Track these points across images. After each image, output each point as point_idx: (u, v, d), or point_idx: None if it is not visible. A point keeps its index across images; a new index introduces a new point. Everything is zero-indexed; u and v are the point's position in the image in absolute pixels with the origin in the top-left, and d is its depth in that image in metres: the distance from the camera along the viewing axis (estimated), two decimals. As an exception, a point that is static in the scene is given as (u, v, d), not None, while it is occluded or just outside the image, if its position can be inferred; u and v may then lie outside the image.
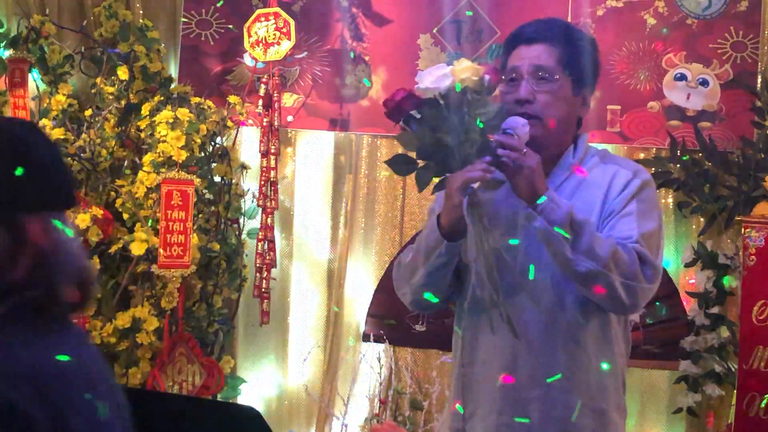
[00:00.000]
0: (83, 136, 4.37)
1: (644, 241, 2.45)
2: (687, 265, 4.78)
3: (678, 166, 4.80)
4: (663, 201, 4.88)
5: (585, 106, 2.60)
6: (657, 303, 4.74)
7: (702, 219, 4.83)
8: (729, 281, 4.66)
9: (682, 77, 4.89)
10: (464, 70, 2.30)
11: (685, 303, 4.77)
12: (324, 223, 5.12)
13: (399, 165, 2.47)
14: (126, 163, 4.51)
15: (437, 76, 2.31)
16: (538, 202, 2.33)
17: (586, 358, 2.50)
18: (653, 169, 4.86)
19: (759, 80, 4.81)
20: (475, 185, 2.32)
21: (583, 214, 2.42)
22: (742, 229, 4.36)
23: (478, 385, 2.53)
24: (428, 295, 2.51)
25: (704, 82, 4.87)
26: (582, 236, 2.34)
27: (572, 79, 2.52)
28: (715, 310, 4.65)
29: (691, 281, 4.82)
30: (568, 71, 2.51)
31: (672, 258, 4.88)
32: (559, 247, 2.34)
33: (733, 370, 4.54)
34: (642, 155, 4.93)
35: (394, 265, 2.70)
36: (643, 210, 2.50)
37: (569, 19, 4.89)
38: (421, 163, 2.38)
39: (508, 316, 2.32)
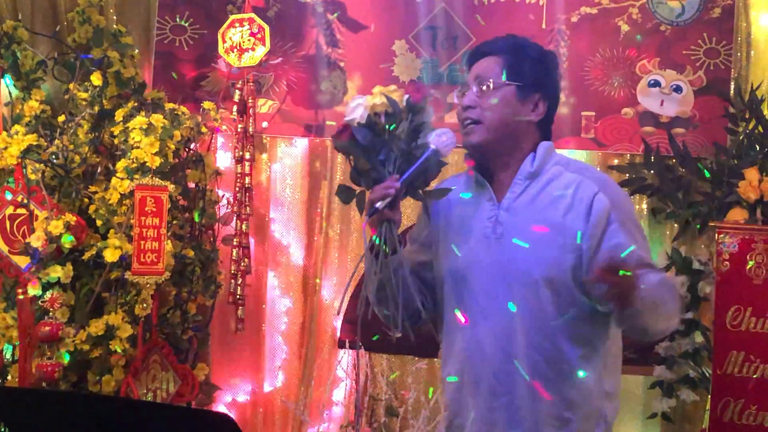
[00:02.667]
0: (56, 142, 4.34)
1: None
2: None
3: (652, 172, 4.82)
4: (637, 207, 4.91)
5: (536, 112, 2.66)
6: (632, 308, 4.75)
7: (676, 225, 4.85)
8: (702, 287, 4.69)
9: (655, 84, 4.92)
10: (373, 97, 2.52)
11: (659, 308, 4.78)
12: (299, 230, 5.11)
13: (342, 194, 2.63)
14: (99, 169, 4.47)
15: (352, 107, 2.54)
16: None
17: (553, 366, 2.54)
18: (627, 175, 4.88)
19: (732, 87, 4.85)
20: (380, 204, 2.45)
21: (538, 222, 2.54)
22: (716, 235, 4.39)
23: (456, 395, 2.64)
24: (383, 310, 2.63)
25: (678, 89, 4.89)
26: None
27: (516, 85, 2.63)
28: (689, 315, 4.67)
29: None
30: (511, 78, 2.63)
31: (646, 264, 4.90)
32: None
33: (707, 375, 4.56)
34: (616, 161, 4.96)
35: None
36: (633, 233, 2.59)
37: (543, 26, 4.93)
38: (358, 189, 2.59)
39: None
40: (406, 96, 2.54)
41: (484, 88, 2.62)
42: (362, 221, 2.60)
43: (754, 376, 4.26)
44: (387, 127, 2.50)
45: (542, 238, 2.53)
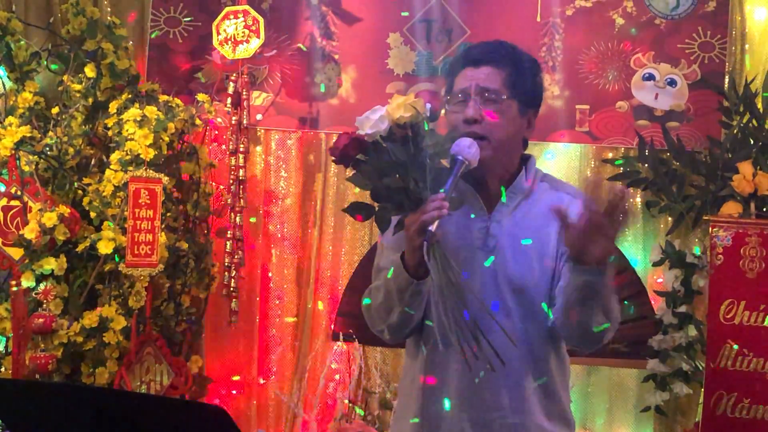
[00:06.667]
0: (50, 134, 4.33)
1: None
2: (655, 264, 4.81)
3: (646, 165, 4.82)
4: (631, 200, 4.92)
5: (530, 128, 2.63)
6: (625, 302, 4.76)
7: (670, 218, 4.86)
8: (696, 280, 4.70)
9: (650, 77, 4.92)
10: (398, 108, 2.33)
11: (653, 302, 4.80)
12: (293, 222, 5.11)
13: (357, 212, 2.47)
14: (93, 161, 4.46)
15: (374, 120, 2.33)
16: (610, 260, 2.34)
17: (549, 380, 2.57)
18: (621, 168, 4.89)
19: (726, 80, 4.85)
20: (433, 226, 2.28)
21: (536, 239, 2.51)
22: (710, 229, 4.39)
23: (436, 410, 2.55)
24: (407, 330, 2.56)
25: (672, 82, 4.90)
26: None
27: (518, 100, 2.55)
28: (682, 308, 4.68)
29: (659, 280, 4.86)
30: (513, 93, 2.54)
31: (640, 257, 4.91)
32: (599, 303, 2.39)
33: (700, 368, 4.57)
34: (610, 155, 4.96)
35: (362, 309, 2.67)
36: None
37: (538, 19, 4.93)
38: (376, 204, 2.41)
39: (491, 347, 2.31)
40: (428, 105, 2.39)
41: (489, 100, 2.53)
42: (378, 236, 2.55)
43: (747, 370, 4.27)
44: (414, 140, 2.34)
45: (535, 255, 2.53)
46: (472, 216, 2.57)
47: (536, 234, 2.54)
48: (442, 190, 2.32)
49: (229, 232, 4.72)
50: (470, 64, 2.58)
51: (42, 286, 4.07)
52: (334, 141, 2.40)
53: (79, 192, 4.37)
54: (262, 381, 5.05)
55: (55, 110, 4.47)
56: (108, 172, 4.20)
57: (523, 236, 2.53)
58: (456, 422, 2.53)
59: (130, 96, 4.47)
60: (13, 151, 4.16)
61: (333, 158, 2.41)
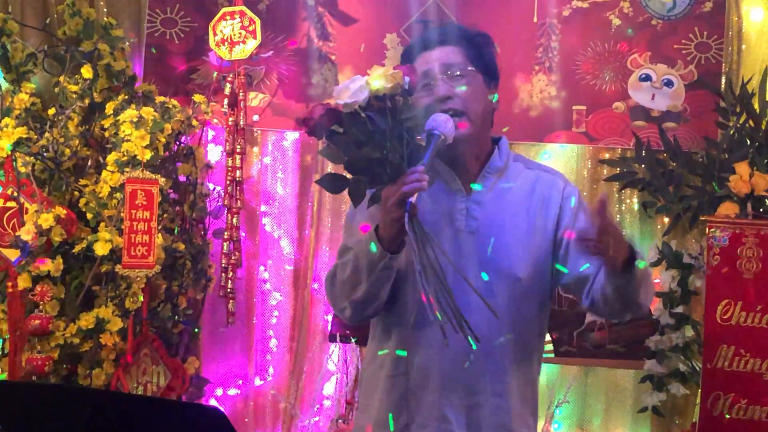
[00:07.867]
0: (46, 135, 4.33)
1: None
2: (652, 265, 4.80)
3: (643, 166, 4.83)
4: (628, 201, 4.92)
5: (496, 101, 2.62)
6: (622, 302, 4.76)
7: (667, 219, 4.86)
8: (693, 281, 4.70)
9: (646, 78, 4.92)
10: (378, 79, 2.29)
11: (650, 302, 4.80)
12: (290, 223, 5.11)
13: (330, 184, 2.42)
14: (90, 162, 4.46)
15: (354, 90, 2.29)
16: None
17: (530, 366, 2.58)
18: (618, 169, 4.89)
19: (723, 81, 4.85)
20: (413, 198, 2.24)
21: (514, 219, 2.52)
22: (707, 229, 4.39)
23: (415, 395, 2.50)
24: (370, 309, 2.51)
25: (669, 83, 4.90)
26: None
27: (481, 72, 2.56)
28: (679, 309, 4.68)
29: (656, 281, 4.85)
30: (476, 65, 2.55)
31: (637, 257, 4.90)
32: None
33: (697, 369, 4.57)
34: (607, 155, 4.96)
35: (325, 281, 2.60)
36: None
37: (535, 19, 4.94)
38: (350, 176, 2.36)
39: (467, 324, 2.26)
40: (407, 78, 2.33)
41: (455, 75, 2.51)
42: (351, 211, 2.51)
43: (744, 370, 4.27)
44: (392, 111, 2.29)
45: (520, 235, 2.52)
46: (451, 196, 2.54)
47: (517, 213, 2.54)
48: (420, 164, 2.28)
49: (225, 233, 4.72)
50: (426, 47, 2.58)
51: (38, 287, 4.07)
52: (307, 112, 2.35)
53: (76, 193, 4.37)
54: (259, 382, 5.05)
55: (51, 111, 4.46)
56: (104, 173, 4.20)
57: (503, 216, 2.52)
58: (437, 405, 2.48)
59: (126, 97, 4.47)
60: (10, 153, 4.15)
61: (305, 129, 2.36)
